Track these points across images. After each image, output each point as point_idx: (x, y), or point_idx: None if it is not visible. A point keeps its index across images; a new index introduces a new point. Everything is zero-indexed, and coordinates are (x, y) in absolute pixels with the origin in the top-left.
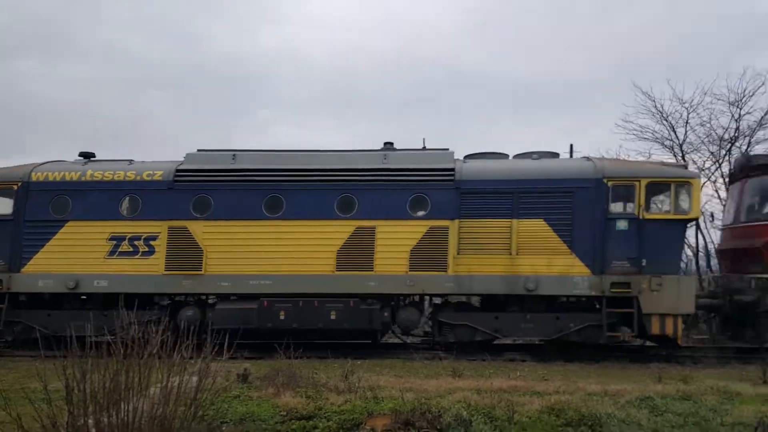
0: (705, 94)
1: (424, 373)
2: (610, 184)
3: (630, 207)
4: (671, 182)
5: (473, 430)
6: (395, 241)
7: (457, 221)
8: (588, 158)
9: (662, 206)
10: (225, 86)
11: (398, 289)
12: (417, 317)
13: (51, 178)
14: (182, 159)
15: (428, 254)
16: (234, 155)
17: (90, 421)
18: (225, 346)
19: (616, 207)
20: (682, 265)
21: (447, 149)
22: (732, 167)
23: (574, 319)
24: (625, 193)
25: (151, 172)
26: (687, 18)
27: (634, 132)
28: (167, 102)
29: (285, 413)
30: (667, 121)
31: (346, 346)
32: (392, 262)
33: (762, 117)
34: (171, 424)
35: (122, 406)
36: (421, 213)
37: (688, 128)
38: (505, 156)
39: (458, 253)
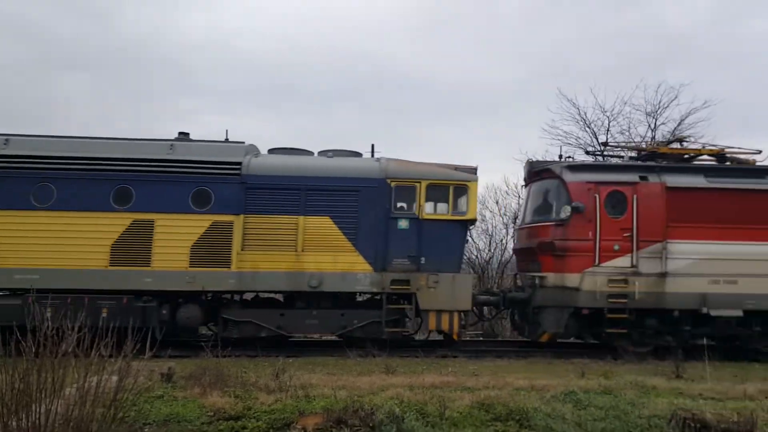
0: (625, 104)
1: (357, 370)
2: (393, 184)
3: (411, 207)
4: (450, 185)
5: (405, 427)
6: (175, 236)
7: (242, 216)
8: (378, 159)
9: (442, 207)
10: (148, 71)
11: (177, 286)
12: (198, 314)
13: None
14: None
15: (211, 250)
16: (6, 140)
17: None
18: (148, 344)
19: (399, 206)
20: None
21: (242, 142)
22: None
23: (357, 316)
24: (407, 194)
25: None
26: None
27: (559, 138)
28: (87, 85)
29: (212, 413)
30: (589, 128)
31: (277, 344)
32: (172, 258)
33: (675, 128)
34: (88, 427)
35: (33, 408)
36: (204, 207)
37: (609, 136)
38: (310, 153)
39: (242, 249)
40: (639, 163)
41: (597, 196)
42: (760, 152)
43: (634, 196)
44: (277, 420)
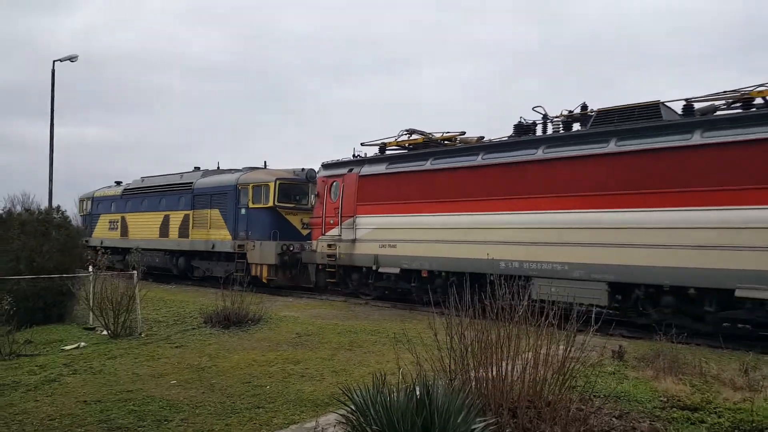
0: None
1: None
2: (240, 188)
3: (247, 201)
4: (262, 185)
5: None
6: (175, 221)
7: (192, 211)
8: (244, 172)
9: (261, 200)
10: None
11: (174, 247)
12: (184, 263)
13: None
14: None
15: (184, 228)
16: (142, 179)
17: (472, 373)
18: (592, 320)
19: (243, 201)
20: None
21: (198, 168)
22: None
23: (233, 265)
24: (246, 193)
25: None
26: None
27: None
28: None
29: (665, 399)
30: None
31: (745, 337)
32: (175, 232)
33: None
34: (541, 386)
35: (493, 363)
36: (182, 206)
37: None
38: (234, 171)
39: (192, 228)
40: (354, 158)
41: (326, 186)
42: (464, 133)
43: (343, 184)
44: (743, 421)
